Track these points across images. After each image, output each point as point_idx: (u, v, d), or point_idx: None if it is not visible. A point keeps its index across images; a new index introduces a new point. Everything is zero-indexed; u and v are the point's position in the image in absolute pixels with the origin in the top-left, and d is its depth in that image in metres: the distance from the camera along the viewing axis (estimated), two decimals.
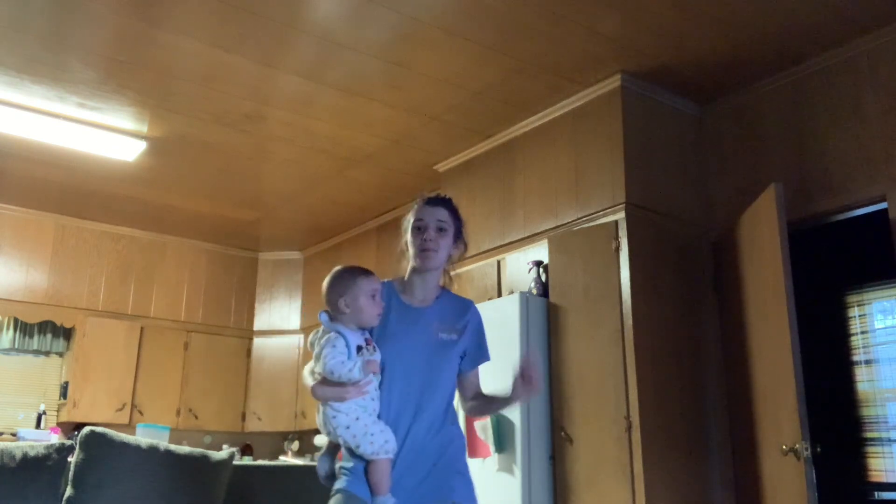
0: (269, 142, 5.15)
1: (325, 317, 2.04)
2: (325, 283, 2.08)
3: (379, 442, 1.97)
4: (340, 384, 1.96)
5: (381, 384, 2.03)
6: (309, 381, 2.04)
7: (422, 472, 2.01)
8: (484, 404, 2.22)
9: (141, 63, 4.19)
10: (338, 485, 2.02)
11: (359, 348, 2.00)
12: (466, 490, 2.06)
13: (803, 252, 4.14)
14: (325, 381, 1.99)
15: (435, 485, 2.00)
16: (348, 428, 1.97)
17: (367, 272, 2.08)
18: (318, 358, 2.01)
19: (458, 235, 2.20)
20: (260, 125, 4.90)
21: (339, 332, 2.00)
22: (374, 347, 2.04)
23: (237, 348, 7.34)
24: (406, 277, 2.19)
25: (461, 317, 2.17)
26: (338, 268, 2.11)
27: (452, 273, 2.24)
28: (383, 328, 2.10)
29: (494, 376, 2.25)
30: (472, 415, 2.22)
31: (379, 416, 2.01)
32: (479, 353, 2.21)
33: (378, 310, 2.05)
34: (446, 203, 2.19)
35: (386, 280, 2.20)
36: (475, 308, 2.24)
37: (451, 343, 2.11)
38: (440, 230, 2.12)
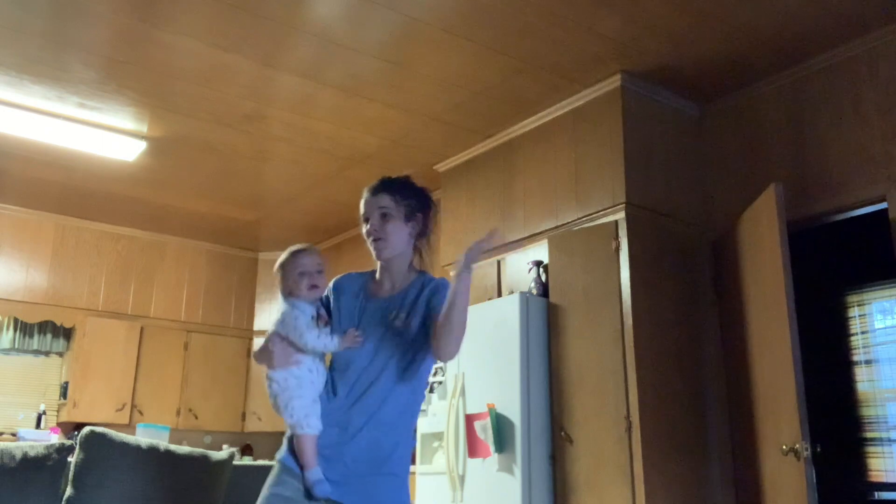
0: (269, 142, 5.15)
1: (282, 295, 2.13)
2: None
3: (298, 415, 1.98)
4: (268, 351, 2.04)
5: (330, 368, 2.07)
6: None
7: (353, 463, 1.96)
8: (445, 316, 1.95)
9: (141, 63, 4.19)
10: (277, 455, 2.05)
11: (314, 316, 2.07)
12: (395, 494, 2.00)
13: (803, 252, 4.14)
14: (263, 347, 2.06)
15: (362, 486, 1.95)
16: (277, 396, 2.02)
17: (302, 250, 2.14)
18: (280, 325, 2.07)
19: (414, 212, 2.13)
20: (260, 125, 4.90)
21: (293, 305, 2.07)
22: (324, 322, 2.10)
23: (237, 348, 7.34)
24: (377, 269, 2.18)
25: (419, 294, 2.08)
26: (286, 251, 2.17)
27: (427, 257, 2.19)
28: (339, 317, 2.11)
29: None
30: (445, 339, 1.94)
31: (321, 398, 2.04)
32: (440, 305, 1.99)
33: (308, 283, 2.08)
34: (387, 186, 2.14)
35: (366, 271, 2.22)
36: (436, 280, 2.10)
37: (403, 330, 2.04)
38: (384, 216, 2.10)
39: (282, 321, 2.06)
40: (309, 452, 1.95)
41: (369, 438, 1.97)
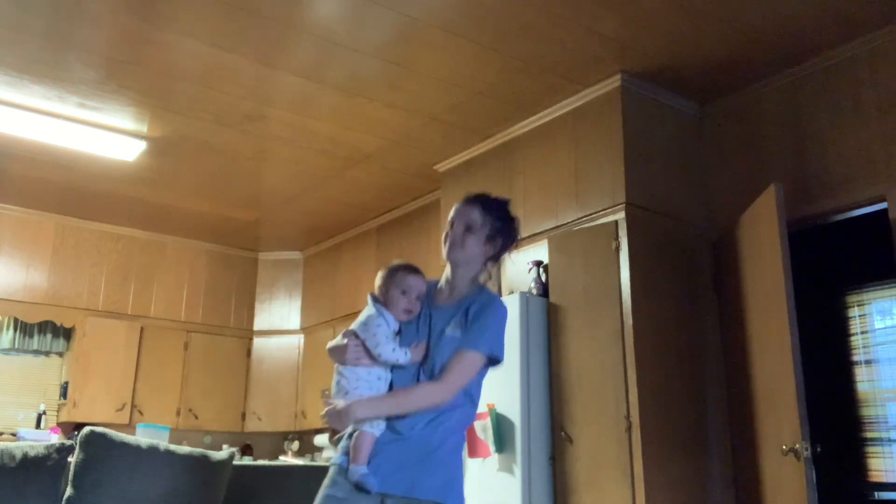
0: (269, 142, 5.15)
1: (370, 297, 2.17)
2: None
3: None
4: (342, 347, 2.10)
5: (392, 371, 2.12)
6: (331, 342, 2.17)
7: (402, 456, 2.01)
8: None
9: (141, 63, 4.19)
10: (333, 459, 2.11)
11: (396, 332, 2.12)
12: (439, 483, 2.01)
13: (803, 252, 4.13)
14: (339, 343, 2.12)
15: (409, 475, 2.00)
16: (347, 394, 2.05)
17: (413, 270, 2.17)
18: (362, 327, 2.11)
19: (497, 236, 2.18)
20: (260, 125, 4.90)
21: (380, 313, 2.11)
22: (398, 339, 2.14)
23: (237, 348, 7.34)
24: (442, 278, 2.24)
25: (472, 309, 2.12)
26: (397, 261, 2.22)
27: (493, 277, 2.24)
28: (408, 322, 2.16)
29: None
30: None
31: None
32: (464, 335, 2.05)
33: (406, 306, 2.12)
34: (482, 201, 2.21)
35: (433, 279, 2.25)
36: (485, 295, 2.14)
37: (454, 339, 2.08)
38: (468, 229, 2.15)
39: (364, 324, 2.11)
40: (366, 450, 2.01)
41: (420, 437, 2.02)
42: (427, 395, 2.02)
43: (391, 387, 2.10)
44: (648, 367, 3.74)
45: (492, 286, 2.25)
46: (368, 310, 2.15)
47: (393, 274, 2.16)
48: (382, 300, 2.15)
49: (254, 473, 3.25)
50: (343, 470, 2.03)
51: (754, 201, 3.71)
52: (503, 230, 2.20)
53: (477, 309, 2.09)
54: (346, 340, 2.11)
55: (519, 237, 2.26)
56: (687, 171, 4.33)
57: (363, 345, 2.08)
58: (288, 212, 6.53)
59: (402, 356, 2.07)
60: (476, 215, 2.17)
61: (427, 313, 2.16)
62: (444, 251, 2.17)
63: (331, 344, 2.15)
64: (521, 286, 4.40)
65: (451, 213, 2.21)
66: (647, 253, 3.94)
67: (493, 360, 2.10)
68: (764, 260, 3.55)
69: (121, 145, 5.16)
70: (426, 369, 2.07)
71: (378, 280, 2.18)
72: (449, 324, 2.10)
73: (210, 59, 4.11)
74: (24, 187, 6.04)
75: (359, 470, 1.99)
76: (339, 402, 2.01)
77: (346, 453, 2.06)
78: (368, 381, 2.06)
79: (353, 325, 2.14)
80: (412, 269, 2.18)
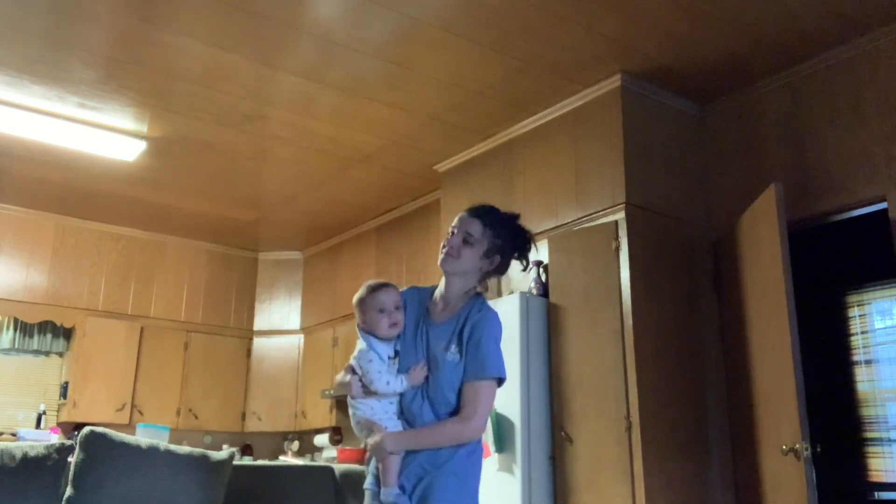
0: (269, 142, 5.15)
1: (358, 329, 2.17)
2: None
3: None
4: (346, 384, 2.12)
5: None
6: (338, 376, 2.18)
7: (420, 474, 2.03)
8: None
9: (141, 63, 4.19)
10: (365, 485, 2.13)
11: (391, 357, 2.12)
12: (448, 492, 2.01)
13: (803, 252, 4.14)
14: (343, 377, 2.15)
15: (424, 485, 2.01)
16: (362, 424, 2.10)
17: (379, 287, 2.14)
18: (357, 362, 2.13)
19: (496, 252, 2.13)
20: (260, 125, 4.90)
21: (370, 346, 2.11)
22: (397, 361, 2.13)
23: (237, 348, 7.34)
24: (439, 285, 2.21)
25: (466, 329, 2.08)
26: (362, 287, 2.19)
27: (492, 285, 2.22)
28: (404, 338, 2.14)
29: None
30: None
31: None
32: (469, 364, 2.04)
33: (389, 321, 2.10)
34: (484, 215, 2.15)
35: (427, 286, 2.24)
36: (477, 311, 2.09)
37: (454, 364, 2.05)
38: (465, 241, 2.11)
39: (358, 359, 2.11)
40: (394, 472, 2.03)
41: (432, 451, 2.03)
42: (455, 434, 2.03)
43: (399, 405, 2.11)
44: (648, 367, 3.74)
45: (487, 296, 2.21)
46: (360, 343, 2.15)
47: (363, 301, 2.14)
48: (367, 327, 2.13)
49: (254, 473, 3.25)
50: (375, 494, 2.06)
51: (754, 201, 3.72)
52: (503, 249, 2.14)
53: (471, 330, 2.06)
54: (348, 377, 2.11)
55: (528, 248, 2.19)
56: (687, 171, 4.33)
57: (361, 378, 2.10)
58: (288, 212, 6.53)
59: (399, 385, 2.06)
60: (476, 228, 2.12)
61: (424, 330, 2.13)
62: (439, 258, 2.15)
63: (337, 381, 2.17)
64: (521, 286, 4.40)
65: (454, 221, 2.17)
66: (647, 253, 3.94)
67: (500, 380, 2.10)
68: (764, 260, 3.55)
69: (121, 145, 5.16)
70: (432, 392, 2.05)
71: (356, 312, 2.16)
72: (446, 345, 2.07)
73: (210, 59, 4.11)
74: (24, 187, 6.04)
75: (391, 492, 2.01)
76: (372, 438, 2.04)
77: (375, 476, 2.08)
78: (383, 408, 2.08)
79: (352, 358, 2.14)
80: (378, 287, 2.15)
